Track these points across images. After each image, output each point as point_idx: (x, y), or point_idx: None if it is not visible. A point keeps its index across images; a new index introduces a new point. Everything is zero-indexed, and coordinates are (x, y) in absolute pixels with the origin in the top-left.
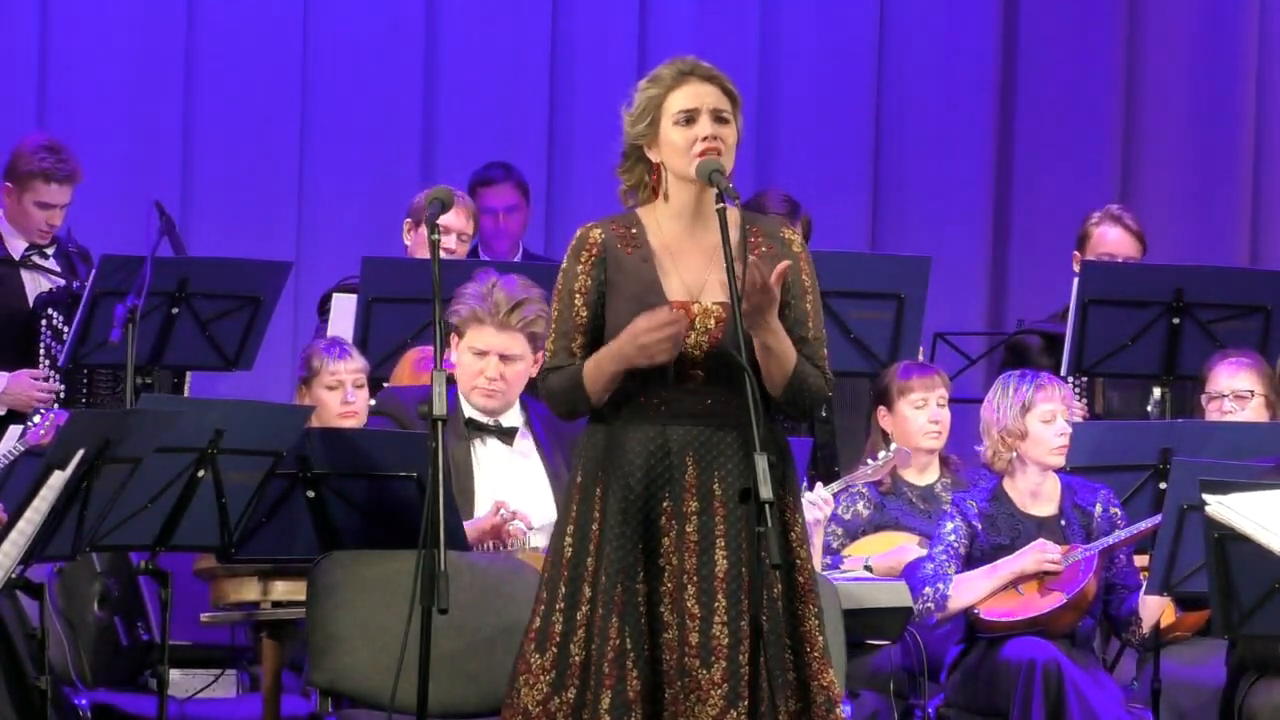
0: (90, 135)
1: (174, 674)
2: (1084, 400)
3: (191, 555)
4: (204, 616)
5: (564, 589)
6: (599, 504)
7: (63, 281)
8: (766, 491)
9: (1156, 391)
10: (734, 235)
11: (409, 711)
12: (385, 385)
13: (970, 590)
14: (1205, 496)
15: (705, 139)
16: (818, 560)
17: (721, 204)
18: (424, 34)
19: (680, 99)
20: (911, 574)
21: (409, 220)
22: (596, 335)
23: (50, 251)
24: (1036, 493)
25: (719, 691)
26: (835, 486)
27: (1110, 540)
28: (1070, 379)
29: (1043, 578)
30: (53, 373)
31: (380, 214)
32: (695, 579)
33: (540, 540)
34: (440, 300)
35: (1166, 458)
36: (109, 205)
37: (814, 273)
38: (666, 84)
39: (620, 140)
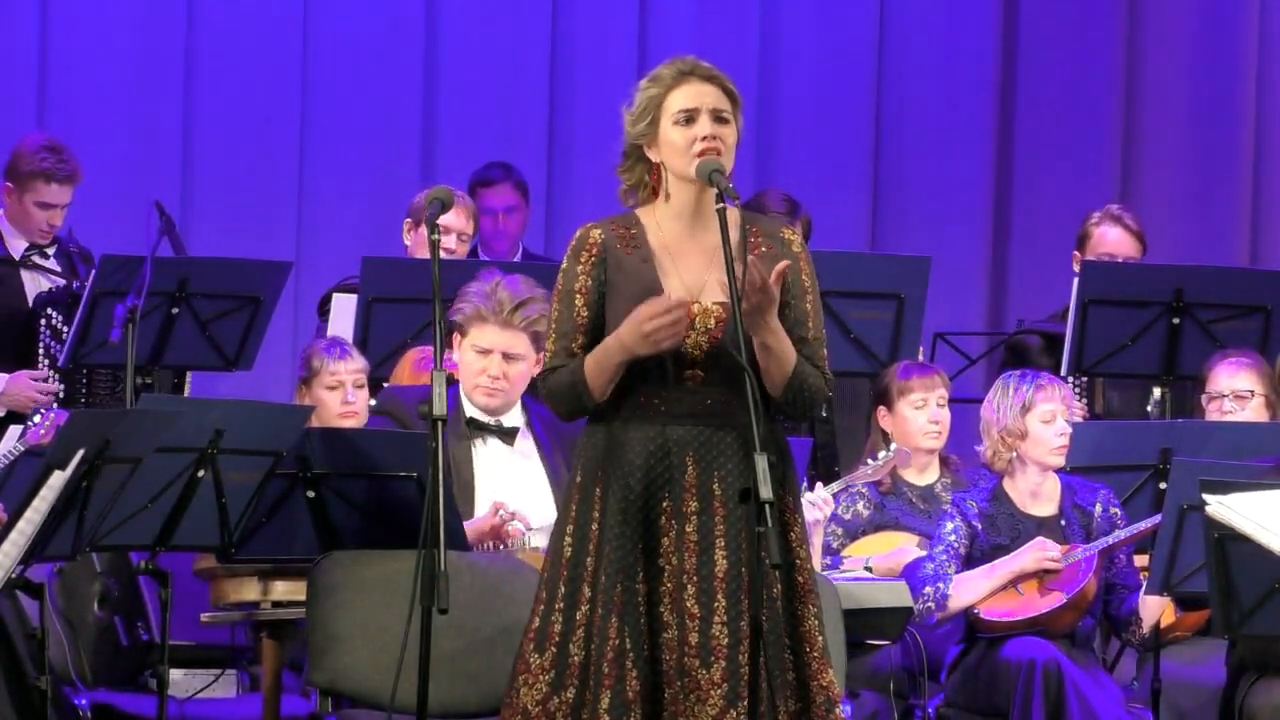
0: (90, 135)
1: (174, 674)
2: (1084, 400)
3: (191, 555)
4: (204, 616)
5: (563, 589)
6: (599, 504)
7: (63, 281)
8: (766, 491)
9: (1156, 391)
10: (734, 235)
11: (409, 711)
12: (385, 385)
13: (970, 590)
14: (1205, 496)
15: (704, 139)
16: (818, 560)
17: (721, 204)
18: (424, 34)
19: (680, 98)
20: (911, 574)
21: (409, 220)
22: (597, 336)
23: (51, 251)
24: (1036, 493)
25: (719, 691)
26: (835, 486)
27: (1110, 540)
28: (1070, 379)
29: (1043, 578)
30: (52, 373)
31: (380, 214)
32: (695, 579)
33: (540, 540)
34: (440, 300)
35: (1166, 458)
36: (109, 205)
37: (814, 273)
38: (667, 83)
39: (620, 140)
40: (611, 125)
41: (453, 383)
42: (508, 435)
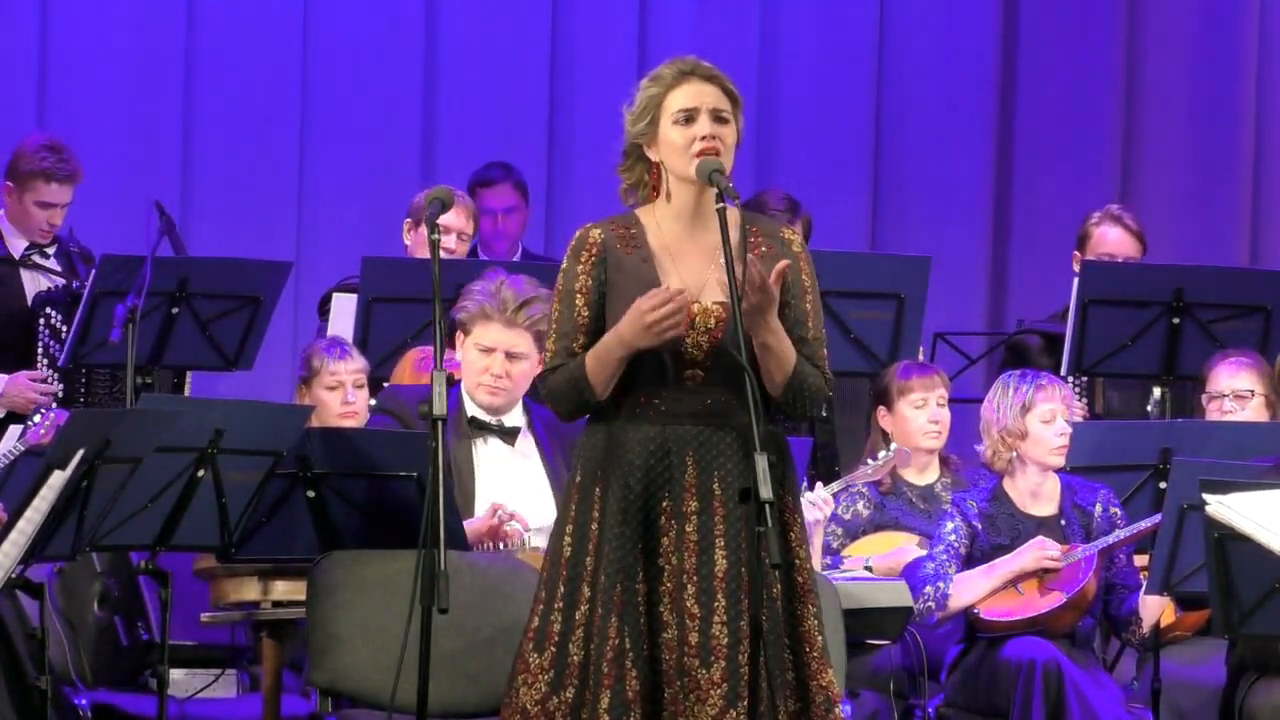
0: (90, 135)
1: (174, 674)
2: (1084, 400)
3: (191, 555)
4: (204, 616)
5: (563, 588)
6: (598, 504)
7: (63, 281)
8: (766, 491)
9: (1156, 391)
10: (734, 235)
11: (409, 711)
12: (386, 385)
13: (970, 590)
14: (1205, 496)
15: (704, 139)
16: (817, 560)
17: (721, 204)
18: (424, 34)
19: (680, 98)
20: (912, 574)
21: (409, 220)
22: (597, 336)
23: (51, 251)
24: (1036, 493)
25: (718, 691)
26: (835, 486)
27: (1110, 540)
28: (1070, 379)
29: (1042, 577)
30: (51, 373)
31: (380, 214)
32: (695, 579)
33: (540, 541)
34: (440, 300)
35: (1166, 458)
36: (109, 205)
37: (814, 273)
38: (667, 83)
39: (620, 139)
40: (611, 125)
41: (454, 383)
42: (509, 435)
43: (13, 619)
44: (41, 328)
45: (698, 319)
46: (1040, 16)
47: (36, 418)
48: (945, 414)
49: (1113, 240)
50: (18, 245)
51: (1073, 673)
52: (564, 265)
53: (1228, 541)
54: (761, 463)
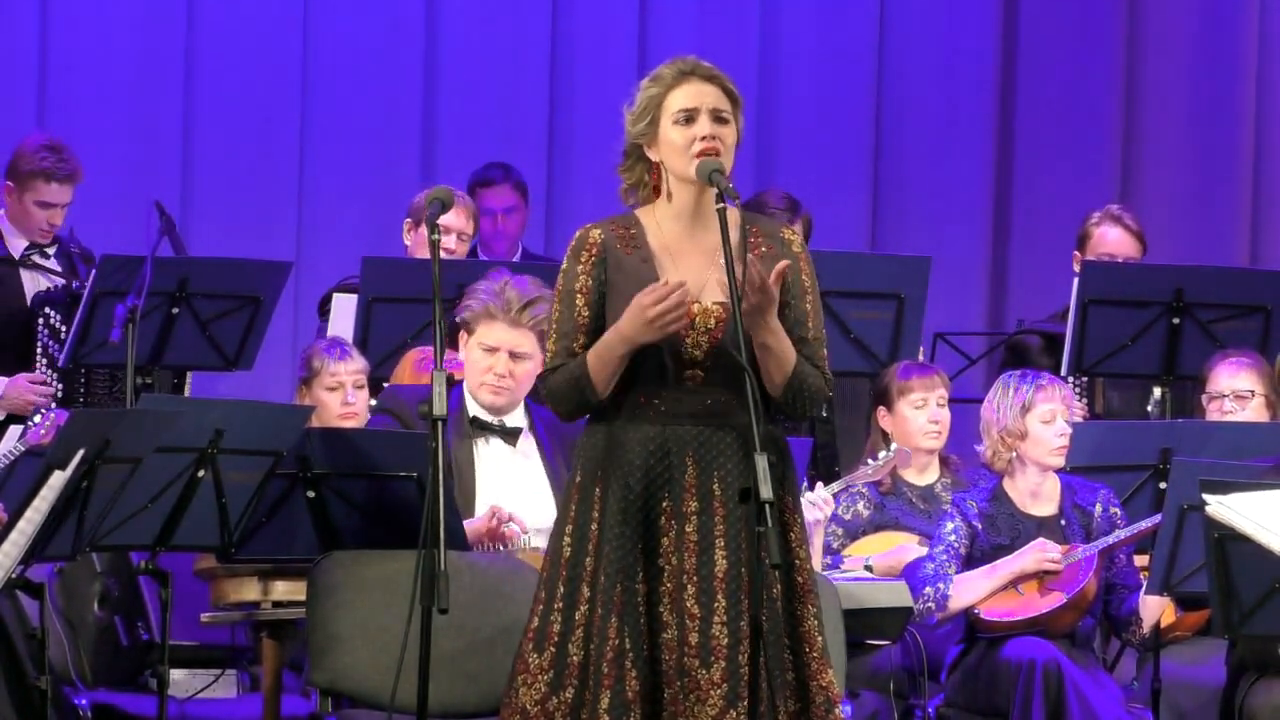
0: (90, 135)
1: (174, 674)
2: (1084, 400)
3: (191, 555)
4: (204, 616)
5: (562, 589)
6: (598, 504)
7: (62, 281)
8: (766, 491)
9: (1156, 391)
10: (734, 235)
11: (409, 711)
12: (386, 385)
13: (971, 590)
14: (1205, 496)
15: (704, 139)
16: (817, 560)
17: (721, 204)
18: (424, 34)
19: (680, 98)
20: (912, 574)
21: (409, 220)
22: (597, 336)
23: (51, 251)
24: (1036, 493)
25: (718, 691)
26: (835, 486)
27: (1110, 540)
28: (1070, 379)
29: (1043, 577)
30: (50, 373)
31: (380, 214)
32: (695, 579)
33: (540, 541)
34: (440, 300)
35: (1166, 458)
36: (109, 205)
37: (814, 273)
38: (667, 83)
39: (621, 139)
40: (611, 125)
41: (455, 383)
42: (510, 435)
43: (13, 619)
44: (41, 328)
45: (698, 319)
46: (1040, 16)
47: (36, 418)
48: (945, 414)
49: (1113, 240)
50: (18, 245)
51: (1073, 673)
52: (564, 265)
53: (1228, 542)
54: (761, 463)
